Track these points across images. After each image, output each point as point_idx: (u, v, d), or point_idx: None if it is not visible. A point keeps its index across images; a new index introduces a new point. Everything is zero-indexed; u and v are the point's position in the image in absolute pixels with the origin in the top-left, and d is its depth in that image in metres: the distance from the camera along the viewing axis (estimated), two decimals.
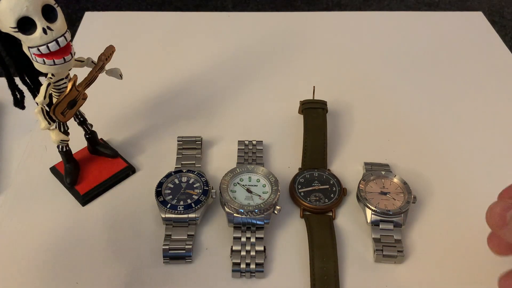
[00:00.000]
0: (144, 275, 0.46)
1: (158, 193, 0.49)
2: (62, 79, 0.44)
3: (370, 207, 0.48)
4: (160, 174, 0.52)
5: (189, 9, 1.62)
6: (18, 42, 0.40)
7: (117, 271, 0.46)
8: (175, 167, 0.53)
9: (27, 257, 0.47)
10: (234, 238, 0.46)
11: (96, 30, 0.79)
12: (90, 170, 0.54)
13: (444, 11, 1.35)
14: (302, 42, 0.76)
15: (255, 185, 0.50)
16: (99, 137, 0.56)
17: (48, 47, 0.39)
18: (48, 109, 0.45)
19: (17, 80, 0.46)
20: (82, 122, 0.52)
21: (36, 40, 0.38)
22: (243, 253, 0.45)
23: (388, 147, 0.59)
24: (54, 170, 0.54)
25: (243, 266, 0.45)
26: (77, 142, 0.54)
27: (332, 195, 0.51)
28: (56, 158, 0.53)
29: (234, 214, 0.47)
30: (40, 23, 0.38)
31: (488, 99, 0.66)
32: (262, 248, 0.46)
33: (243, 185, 0.50)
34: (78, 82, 0.44)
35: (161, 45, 0.75)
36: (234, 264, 0.45)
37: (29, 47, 0.39)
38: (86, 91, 0.46)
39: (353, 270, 0.46)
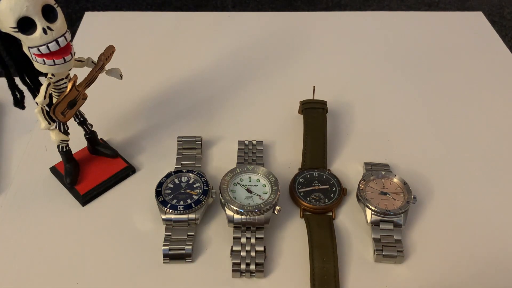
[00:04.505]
0: (144, 275, 0.46)
1: (158, 193, 0.49)
2: (62, 79, 0.44)
3: (370, 207, 0.48)
4: (160, 174, 0.52)
5: (189, 9, 1.62)
6: (18, 42, 0.40)
7: (117, 271, 0.46)
8: (175, 167, 0.53)
9: (27, 256, 0.47)
10: (234, 238, 0.46)
11: (96, 30, 0.79)
12: (90, 170, 0.54)
13: (444, 11, 1.35)
14: (302, 42, 0.76)
15: (255, 185, 0.50)
16: (99, 137, 0.56)
17: (48, 47, 0.39)
18: (48, 109, 0.45)
19: (17, 80, 0.46)
20: (82, 122, 0.52)
21: (36, 40, 0.39)
22: (243, 253, 0.45)
23: (388, 147, 0.59)
24: (54, 170, 0.54)
25: (243, 266, 0.45)
26: (77, 142, 0.54)
27: (332, 195, 0.51)
28: (56, 158, 0.53)
29: (234, 214, 0.47)
30: (40, 23, 0.38)
31: (488, 99, 0.66)
32: (262, 248, 0.46)
33: (243, 185, 0.50)
34: (78, 82, 0.44)
35: (161, 45, 0.75)
36: (234, 264, 0.45)
37: (29, 47, 0.39)
38: (86, 91, 0.46)
39: (353, 270, 0.46)
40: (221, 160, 0.57)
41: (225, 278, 0.45)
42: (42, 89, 0.43)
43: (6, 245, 0.48)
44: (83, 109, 0.51)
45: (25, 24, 0.38)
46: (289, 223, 0.50)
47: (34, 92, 0.47)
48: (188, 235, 0.47)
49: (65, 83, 0.45)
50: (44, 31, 0.38)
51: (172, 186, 0.50)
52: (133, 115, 0.63)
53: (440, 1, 1.67)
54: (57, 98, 0.45)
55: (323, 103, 0.61)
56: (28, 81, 0.46)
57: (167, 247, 0.46)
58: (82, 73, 0.45)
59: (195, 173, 0.51)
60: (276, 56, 0.73)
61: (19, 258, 0.47)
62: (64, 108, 0.45)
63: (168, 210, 0.47)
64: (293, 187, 0.52)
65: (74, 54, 0.43)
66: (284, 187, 0.53)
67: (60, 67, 0.41)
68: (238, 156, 0.55)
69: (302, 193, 0.51)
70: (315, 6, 1.64)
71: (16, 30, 0.38)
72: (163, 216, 0.48)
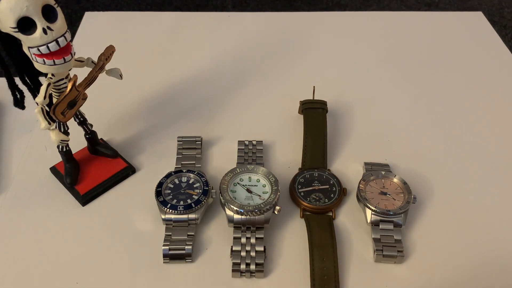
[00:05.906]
0: (144, 275, 0.46)
1: (158, 193, 0.49)
2: (62, 79, 0.44)
3: (370, 207, 0.48)
4: (160, 174, 0.52)
5: (189, 9, 1.62)
6: (18, 42, 0.40)
7: (117, 271, 0.46)
8: (175, 167, 0.53)
9: (27, 256, 0.47)
10: (234, 238, 0.46)
11: (96, 30, 0.79)
12: (90, 170, 0.54)
13: (444, 11, 1.35)
14: (302, 42, 0.76)
15: (255, 185, 0.50)
16: (99, 137, 0.56)
17: (48, 47, 0.39)
18: (48, 109, 0.45)
19: (17, 80, 0.46)
20: (82, 122, 0.52)
21: (36, 40, 0.39)
22: (243, 253, 0.45)
23: (388, 147, 0.59)
24: (54, 170, 0.54)
25: (243, 266, 0.45)
26: (77, 142, 0.54)
27: (332, 195, 0.51)
28: (56, 158, 0.53)
29: (234, 214, 0.47)
30: (40, 23, 0.38)
31: (488, 99, 0.66)
32: (262, 249, 0.46)
33: (243, 185, 0.50)
34: (78, 82, 0.44)
35: (161, 45, 0.75)
36: (234, 264, 0.45)
37: (29, 47, 0.39)
38: (86, 91, 0.46)
39: (353, 270, 0.46)
40: (221, 160, 0.57)
41: (225, 278, 0.45)
42: (42, 89, 0.43)
43: (6, 245, 0.48)
44: (83, 109, 0.51)
45: (25, 24, 0.38)
46: (289, 223, 0.50)
47: (34, 92, 0.47)
48: (188, 235, 0.47)
49: (65, 83, 0.45)
50: (44, 31, 0.38)
51: (172, 186, 0.50)
52: (133, 115, 0.63)
53: (440, 1, 1.67)
54: (57, 98, 0.45)
55: (323, 103, 0.61)
56: (28, 81, 0.46)
57: (167, 247, 0.46)
58: (82, 73, 0.45)
59: (195, 173, 0.51)
60: (276, 56, 0.73)
61: (19, 258, 0.47)
62: (64, 108, 0.45)
63: (168, 210, 0.47)
64: (293, 187, 0.52)
65: (74, 54, 0.43)
66: (284, 187, 0.53)
67: (60, 67, 0.41)
68: (238, 156, 0.55)
69: (302, 193, 0.51)
70: (315, 6, 1.64)
71: (16, 30, 0.38)
72: (163, 216, 0.48)
